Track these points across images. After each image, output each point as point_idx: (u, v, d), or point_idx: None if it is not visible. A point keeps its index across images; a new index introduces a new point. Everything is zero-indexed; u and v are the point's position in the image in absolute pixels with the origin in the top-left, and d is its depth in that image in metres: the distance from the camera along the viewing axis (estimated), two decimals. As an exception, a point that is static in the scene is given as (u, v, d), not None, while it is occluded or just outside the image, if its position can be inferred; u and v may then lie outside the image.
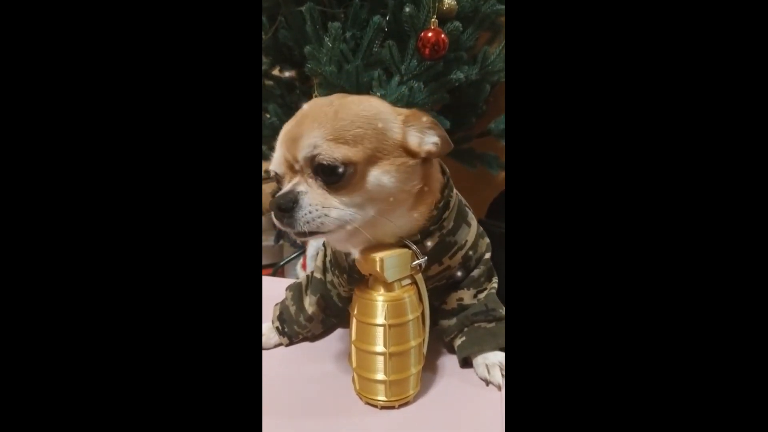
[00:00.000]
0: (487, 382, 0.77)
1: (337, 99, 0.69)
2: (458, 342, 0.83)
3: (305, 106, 0.70)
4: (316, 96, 1.08)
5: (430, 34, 1.10)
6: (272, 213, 0.64)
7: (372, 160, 0.64)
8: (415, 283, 0.74)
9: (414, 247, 0.72)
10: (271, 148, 1.53)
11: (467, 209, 0.83)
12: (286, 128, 0.68)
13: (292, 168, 0.66)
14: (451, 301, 0.84)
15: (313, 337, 0.94)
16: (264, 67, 1.54)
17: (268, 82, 1.54)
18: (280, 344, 0.92)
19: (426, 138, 0.68)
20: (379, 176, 0.64)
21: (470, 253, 0.81)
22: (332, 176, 0.62)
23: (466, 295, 0.83)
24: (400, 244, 0.72)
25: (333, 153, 0.62)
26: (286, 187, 0.65)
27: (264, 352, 0.90)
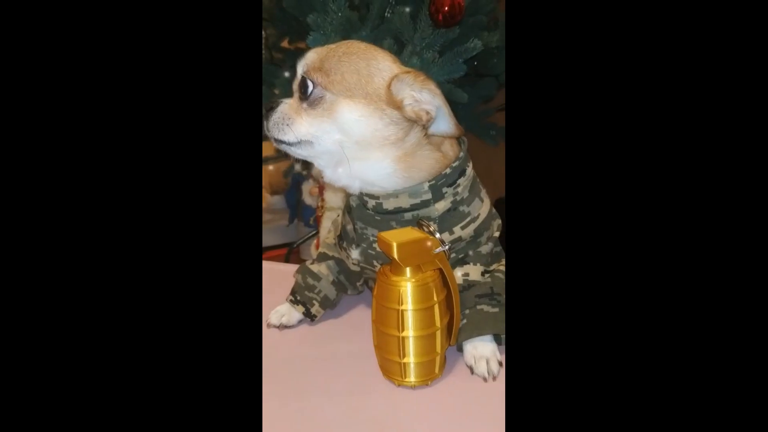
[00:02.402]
0: (472, 371, 0.76)
1: (353, 41, 0.79)
2: (459, 324, 0.81)
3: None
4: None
5: (444, -2, 1.02)
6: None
7: (347, 94, 0.72)
8: (438, 267, 0.73)
9: (438, 234, 0.71)
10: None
11: (480, 186, 0.85)
12: None
13: None
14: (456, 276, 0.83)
15: (330, 303, 0.94)
16: (272, 39, 1.47)
17: (276, 55, 1.47)
18: (302, 320, 0.93)
19: (421, 97, 0.73)
20: (349, 110, 0.72)
21: (482, 228, 0.82)
22: (303, 93, 0.74)
23: (473, 271, 0.82)
24: (419, 227, 0.72)
25: (312, 74, 0.73)
26: None
27: (288, 331, 0.92)
